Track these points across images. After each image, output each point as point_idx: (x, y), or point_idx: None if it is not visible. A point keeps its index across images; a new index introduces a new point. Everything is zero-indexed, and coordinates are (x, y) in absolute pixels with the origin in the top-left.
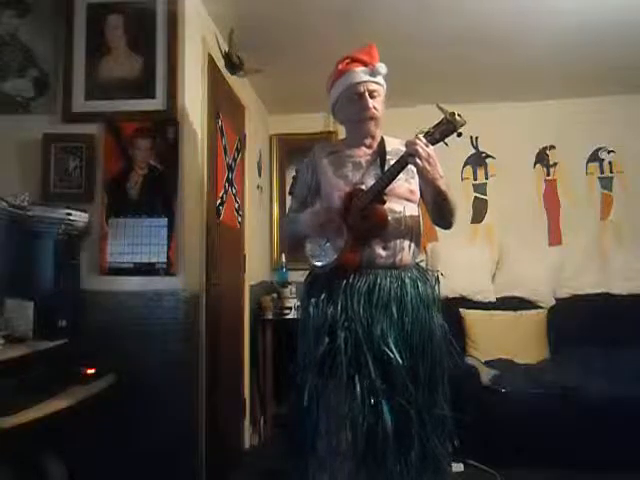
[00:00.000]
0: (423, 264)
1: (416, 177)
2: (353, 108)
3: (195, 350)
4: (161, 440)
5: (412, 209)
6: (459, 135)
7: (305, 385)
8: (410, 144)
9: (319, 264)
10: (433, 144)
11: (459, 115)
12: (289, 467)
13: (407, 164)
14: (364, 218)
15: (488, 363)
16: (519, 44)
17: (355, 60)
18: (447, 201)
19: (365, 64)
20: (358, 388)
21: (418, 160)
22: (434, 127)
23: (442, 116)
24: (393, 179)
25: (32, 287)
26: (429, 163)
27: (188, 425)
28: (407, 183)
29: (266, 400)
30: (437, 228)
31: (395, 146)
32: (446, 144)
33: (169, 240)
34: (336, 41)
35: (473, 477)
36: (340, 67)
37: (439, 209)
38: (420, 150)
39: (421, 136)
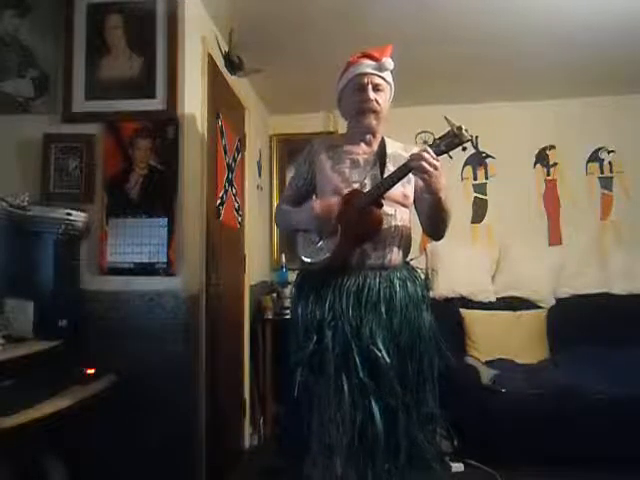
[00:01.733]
0: (414, 263)
1: (412, 182)
2: (354, 99)
3: (195, 350)
4: (161, 440)
5: (404, 213)
6: (464, 149)
7: (296, 384)
8: (417, 157)
9: (309, 260)
10: (438, 155)
11: (466, 130)
12: (282, 464)
13: (409, 172)
14: (360, 220)
15: (488, 363)
16: (519, 44)
17: (366, 55)
18: (444, 212)
19: (374, 59)
20: (346, 387)
21: (425, 175)
22: (440, 139)
23: (448, 128)
24: (394, 185)
25: (32, 287)
26: (435, 176)
27: (188, 425)
28: (402, 187)
29: (266, 400)
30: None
31: (396, 150)
32: (450, 157)
33: (169, 240)
34: (336, 41)
35: (473, 477)
36: (350, 60)
37: (434, 219)
38: (426, 165)
39: (428, 148)
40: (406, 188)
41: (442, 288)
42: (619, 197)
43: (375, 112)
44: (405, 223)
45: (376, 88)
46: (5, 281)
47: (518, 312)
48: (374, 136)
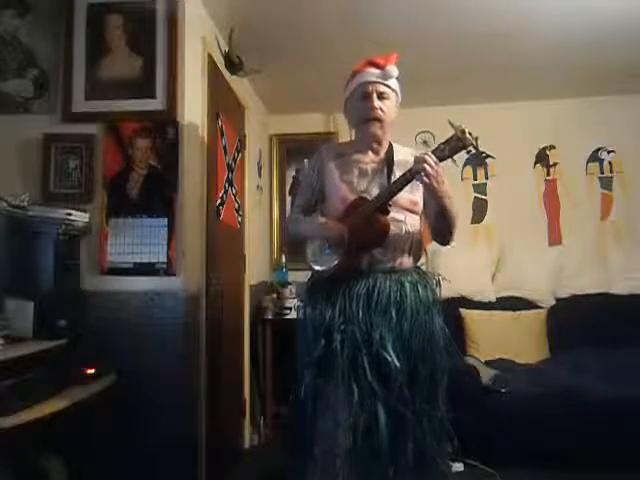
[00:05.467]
0: (424, 267)
1: (420, 189)
2: (359, 108)
3: (195, 350)
4: (161, 440)
5: (413, 219)
6: (468, 152)
7: (303, 387)
8: (419, 161)
9: (318, 268)
10: (442, 160)
11: (469, 133)
12: (287, 468)
13: (412, 179)
14: (366, 227)
15: (488, 363)
16: (519, 44)
17: (371, 63)
18: (450, 219)
19: (378, 67)
20: (355, 391)
21: (425, 178)
22: (444, 143)
23: (451, 131)
24: (398, 192)
25: (32, 287)
26: (437, 181)
27: (188, 425)
28: (410, 194)
29: (266, 400)
30: None
31: (403, 156)
32: (454, 160)
33: (169, 240)
34: (336, 41)
35: (473, 477)
36: (355, 68)
37: (440, 225)
38: (428, 168)
39: (430, 153)
40: (414, 194)
41: (442, 288)
42: (619, 197)
43: (380, 120)
44: (415, 229)
45: (381, 96)
46: (5, 281)
47: (518, 312)
48: (380, 144)
